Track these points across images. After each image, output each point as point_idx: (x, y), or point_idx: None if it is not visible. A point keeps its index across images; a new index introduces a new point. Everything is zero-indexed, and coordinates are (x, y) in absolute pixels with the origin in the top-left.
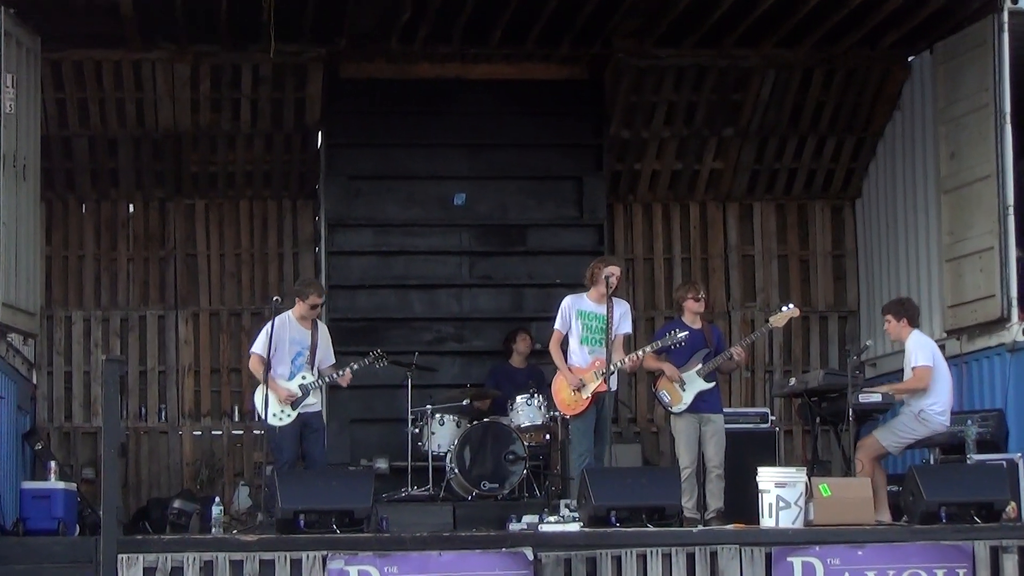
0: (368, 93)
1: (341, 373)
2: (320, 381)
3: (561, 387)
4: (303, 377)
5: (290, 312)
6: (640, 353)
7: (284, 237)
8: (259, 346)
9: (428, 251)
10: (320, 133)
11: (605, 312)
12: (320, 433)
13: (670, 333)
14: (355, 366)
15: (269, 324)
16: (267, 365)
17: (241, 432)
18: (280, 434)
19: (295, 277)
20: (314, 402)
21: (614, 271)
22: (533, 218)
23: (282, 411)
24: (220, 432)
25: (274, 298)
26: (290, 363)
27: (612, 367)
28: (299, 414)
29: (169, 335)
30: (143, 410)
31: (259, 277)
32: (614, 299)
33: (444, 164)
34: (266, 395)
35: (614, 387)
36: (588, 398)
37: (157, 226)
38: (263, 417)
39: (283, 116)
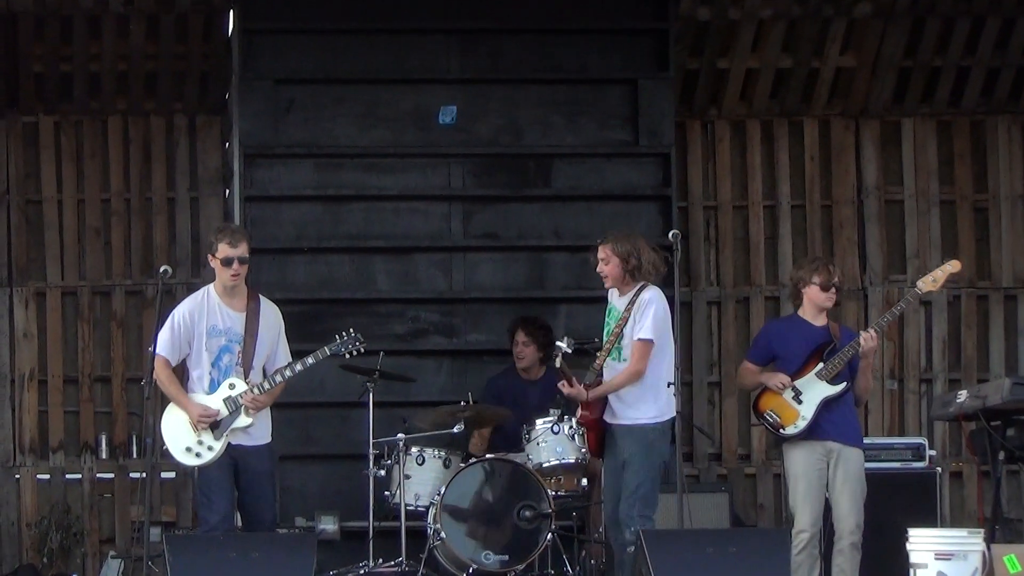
0: None
1: (265, 387)
2: (264, 386)
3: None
4: (231, 386)
5: (211, 285)
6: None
7: (177, 174)
8: (163, 344)
9: (399, 195)
10: (232, 13)
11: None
12: (264, 478)
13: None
14: (309, 360)
15: (179, 307)
16: (182, 371)
17: (111, 475)
18: (202, 479)
19: (193, 235)
20: (247, 423)
21: (599, 254)
22: (562, 144)
23: (198, 441)
24: (79, 476)
25: (161, 268)
26: (209, 365)
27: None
28: (229, 445)
29: (0, 325)
30: None
31: (138, 235)
32: (648, 285)
33: (423, 61)
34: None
35: (626, 420)
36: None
37: None
38: (175, 455)
39: None
